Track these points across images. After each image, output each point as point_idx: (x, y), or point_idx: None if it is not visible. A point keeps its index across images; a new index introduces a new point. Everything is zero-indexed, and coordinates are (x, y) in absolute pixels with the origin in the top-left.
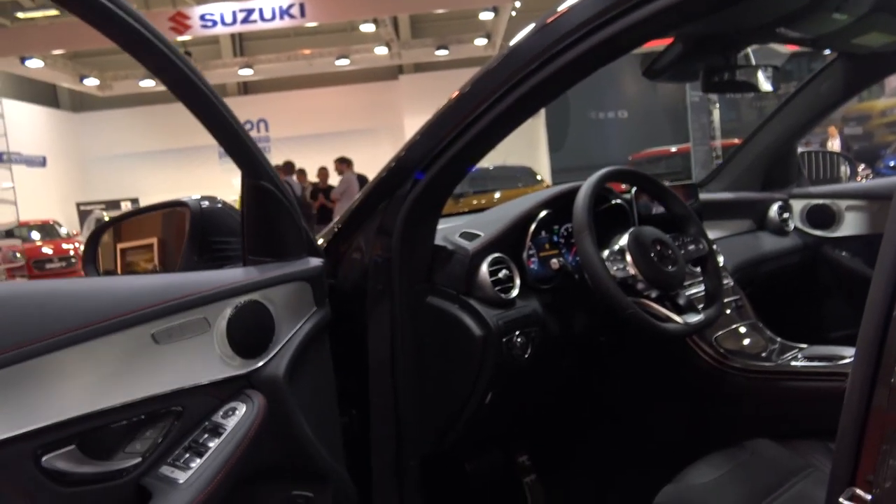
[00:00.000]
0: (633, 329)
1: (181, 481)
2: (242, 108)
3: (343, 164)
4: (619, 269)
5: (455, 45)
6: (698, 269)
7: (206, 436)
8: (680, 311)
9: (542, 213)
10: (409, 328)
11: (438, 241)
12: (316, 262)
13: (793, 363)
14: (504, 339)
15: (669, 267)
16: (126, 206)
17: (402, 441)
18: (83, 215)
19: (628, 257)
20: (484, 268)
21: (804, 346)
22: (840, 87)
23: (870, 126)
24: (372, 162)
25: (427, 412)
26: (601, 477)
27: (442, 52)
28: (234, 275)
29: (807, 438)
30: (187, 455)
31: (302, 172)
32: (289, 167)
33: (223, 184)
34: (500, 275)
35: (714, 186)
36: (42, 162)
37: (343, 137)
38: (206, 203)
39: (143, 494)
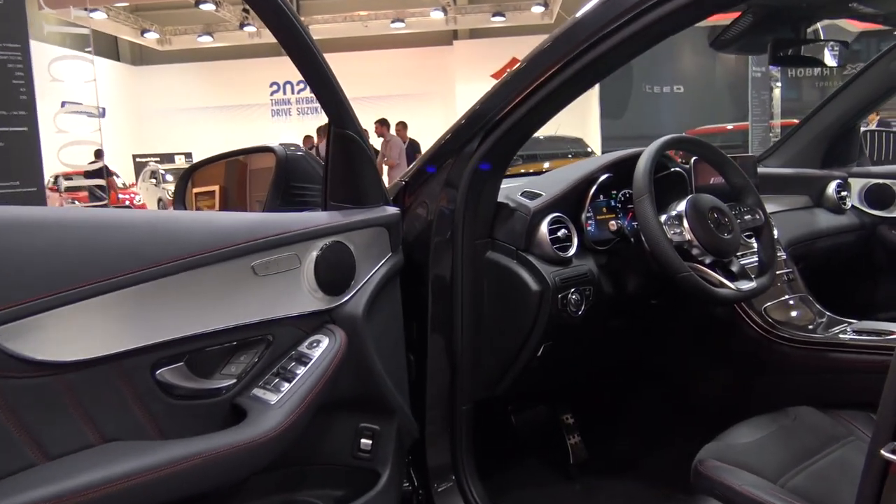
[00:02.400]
0: (685, 292)
1: (273, 402)
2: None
3: (384, 126)
4: (675, 233)
5: (512, 11)
6: (752, 241)
7: (293, 364)
8: (732, 278)
9: (603, 177)
10: (469, 280)
11: (501, 198)
12: (393, 210)
13: (840, 336)
14: (559, 295)
15: (725, 234)
16: (180, 160)
17: (456, 386)
18: (139, 167)
19: (685, 223)
20: (543, 226)
21: (853, 320)
22: None
23: None
24: (423, 127)
25: (482, 360)
26: (644, 436)
27: (498, 19)
28: (320, 217)
29: (850, 408)
30: (277, 380)
31: (365, 132)
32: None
33: (274, 141)
34: (559, 234)
35: (773, 161)
36: (102, 113)
37: (395, 101)
38: (290, 150)
39: (238, 412)
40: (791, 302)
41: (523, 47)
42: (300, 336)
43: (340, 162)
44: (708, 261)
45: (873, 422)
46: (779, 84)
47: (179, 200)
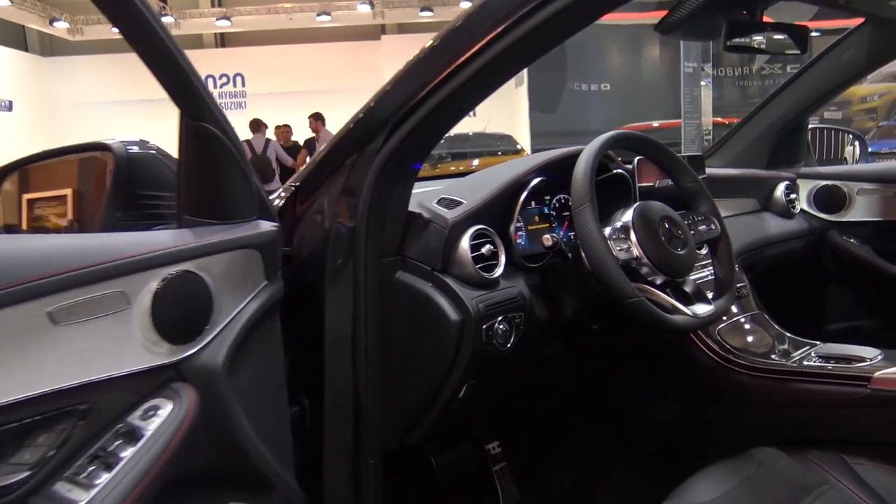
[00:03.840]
0: (634, 320)
1: (82, 503)
2: (218, 62)
3: (318, 121)
4: (621, 249)
5: (440, 6)
6: (703, 252)
7: (118, 442)
8: (687, 300)
9: (536, 181)
10: (374, 307)
11: (413, 207)
12: (269, 226)
13: (805, 363)
14: (484, 326)
15: (679, 249)
16: None
17: (362, 436)
18: None
19: (633, 236)
20: (464, 241)
21: (816, 342)
22: (864, 56)
23: (849, 112)
24: None
25: (392, 404)
26: (584, 473)
27: (426, 14)
28: (163, 238)
29: (819, 448)
30: (92, 468)
31: (288, 128)
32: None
33: None
34: (483, 250)
35: (716, 161)
36: (8, 107)
37: (321, 96)
38: (134, 148)
39: None
40: (747, 324)
41: None
42: (131, 402)
43: (197, 164)
44: (659, 281)
45: (846, 466)
46: (703, 82)
47: None
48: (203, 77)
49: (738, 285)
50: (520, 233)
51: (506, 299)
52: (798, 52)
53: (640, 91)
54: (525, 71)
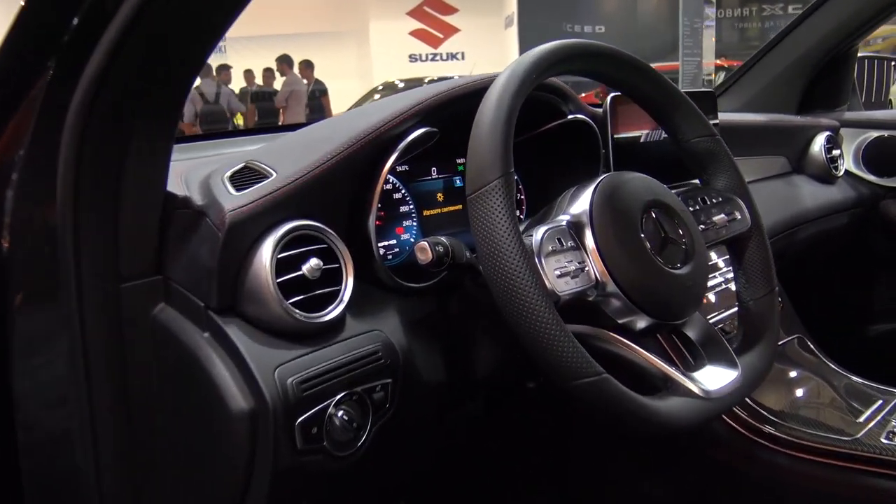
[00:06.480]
0: (589, 409)
1: None
2: None
3: (284, 64)
4: (565, 270)
5: None
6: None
7: None
8: (691, 357)
9: (416, 133)
10: (102, 370)
11: (186, 186)
12: None
13: (883, 442)
14: (301, 420)
15: (679, 266)
16: None
17: None
18: None
19: (589, 241)
20: (263, 254)
21: (894, 391)
22: None
23: None
24: (335, 68)
25: None
26: None
27: None
28: None
29: None
30: None
31: (250, 73)
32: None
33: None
34: (305, 269)
35: (728, 102)
36: None
37: (305, 39)
38: None
39: None
40: (785, 360)
41: None
42: None
43: None
44: (641, 325)
45: None
46: (707, 20)
47: None
48: None
49: None
50: (405, 223)
51: (353, 360)
52: None
53: (637, 33)
54: (516, 11)
